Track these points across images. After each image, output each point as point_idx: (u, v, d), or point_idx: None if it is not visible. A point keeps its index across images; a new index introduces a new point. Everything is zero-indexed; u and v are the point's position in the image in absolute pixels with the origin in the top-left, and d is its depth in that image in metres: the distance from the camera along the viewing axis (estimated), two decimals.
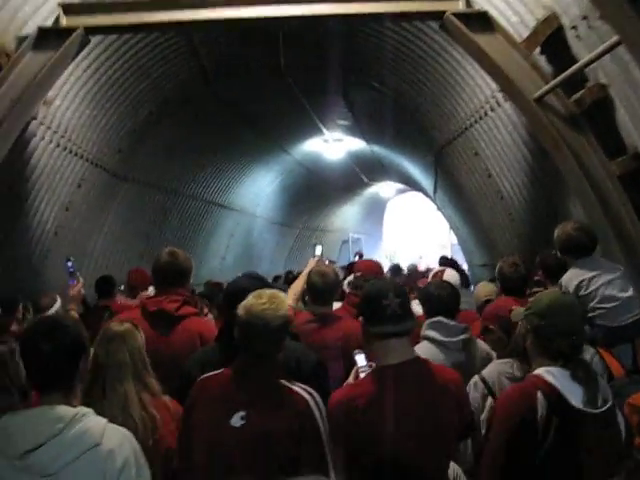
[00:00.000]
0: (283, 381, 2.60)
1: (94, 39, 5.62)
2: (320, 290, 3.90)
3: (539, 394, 2.36)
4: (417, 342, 3.58)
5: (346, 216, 23.44)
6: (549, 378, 2.39)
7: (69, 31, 4.49)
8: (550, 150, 4.52)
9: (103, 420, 2.16)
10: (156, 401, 2.81)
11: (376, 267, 4.87)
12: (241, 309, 2.58)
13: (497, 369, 3.25)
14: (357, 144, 13.96)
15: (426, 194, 15.31)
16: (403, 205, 26.86)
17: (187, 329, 3.42)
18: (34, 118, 5.55)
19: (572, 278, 3.90)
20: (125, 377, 2.80)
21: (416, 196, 21.67)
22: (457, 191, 9.49)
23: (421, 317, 3.77)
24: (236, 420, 2.50)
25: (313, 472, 2.47)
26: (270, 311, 2.53)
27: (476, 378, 3.25)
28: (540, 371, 2.44)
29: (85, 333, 2.28)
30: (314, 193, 18.09)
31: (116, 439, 2.13)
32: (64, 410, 2.08)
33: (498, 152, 6.59)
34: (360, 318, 2.68)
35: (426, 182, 13.11)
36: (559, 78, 4.24)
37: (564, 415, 2.34)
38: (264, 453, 2.50)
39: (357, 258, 14.21)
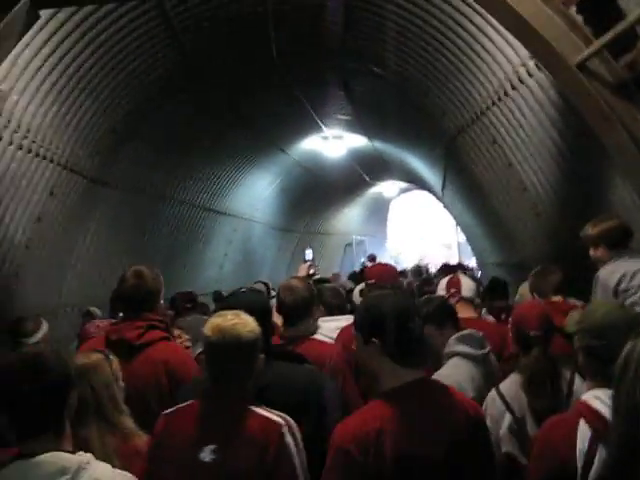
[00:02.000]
0: (254, 407, 2.42)
1: (53, 21, 4.93)
2: (288, 308, 3.41)
3: (581, 424, 2.09)
4: None
5: (348, 218, 22.85)
6: (595, 404, 2.11)
7: (10, 3, 3.71)
8: (596, 125, 3.76)
9: (108, 466, 2.01)
10: (126, 447, 2.53)
11: (392, 272, 4.44)
12: (207, 330, 2.45)
13: (517, 382, 2.96)
14: (358, 140, 13.21)
15: (432, 191, 14.66)
16: (407, 204, 26.34)
17: (150, 358, 3.16)
18: None
19: (613, 272, 3.73)
20: (86, 418, 2.53)
21: (420, 195, 21.26)
22: (470, 185, 8.73)
23: None
24: (205, 454, 2.33)
25: None
26: (240, 326, 2.43)
27: (493, 393, 3.00)
28: (587, 396, 2.18)
29: (70, 365, 2.14)
30: (314, 195, 17.40)
31: None
32: (66, 458, 1.90)
33: (521, 137, 5.83)
34: (370, 339, 2.31)
35: (433, 178, 12.40)
36: (604, 37, 3.48)
37: None
38: None
39: (369, 262, 13.61)
